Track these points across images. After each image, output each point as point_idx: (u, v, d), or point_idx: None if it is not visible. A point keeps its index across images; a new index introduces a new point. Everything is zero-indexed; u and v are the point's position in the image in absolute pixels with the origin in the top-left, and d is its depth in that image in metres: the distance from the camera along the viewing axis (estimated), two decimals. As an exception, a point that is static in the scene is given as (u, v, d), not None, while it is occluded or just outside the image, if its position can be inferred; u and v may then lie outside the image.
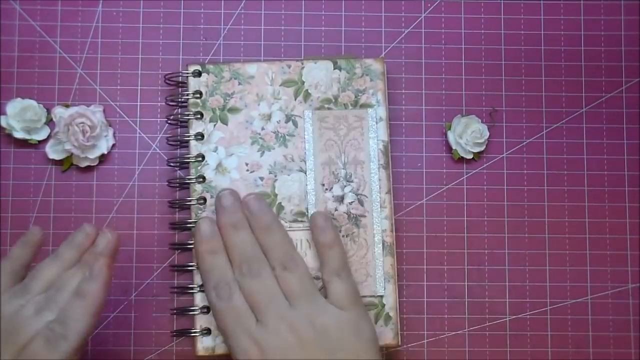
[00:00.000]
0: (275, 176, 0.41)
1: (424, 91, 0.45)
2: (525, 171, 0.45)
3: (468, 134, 0.43)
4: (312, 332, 0.35)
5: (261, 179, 0.41)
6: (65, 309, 0.35)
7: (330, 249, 0.38)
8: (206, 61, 0.44)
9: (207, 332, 0.40)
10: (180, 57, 0.45)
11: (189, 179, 0.41)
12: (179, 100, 0.42)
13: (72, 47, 0.44)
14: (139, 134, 0.44)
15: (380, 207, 0.41)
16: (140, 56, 0.45)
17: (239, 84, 0.42)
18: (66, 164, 0.43)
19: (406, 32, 0.45)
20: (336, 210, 0.41)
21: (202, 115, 0.41)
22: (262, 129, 0.41)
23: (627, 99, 0.45)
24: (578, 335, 0.44)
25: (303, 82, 0.42)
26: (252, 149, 0.41)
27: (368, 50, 0.45)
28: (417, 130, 0.45)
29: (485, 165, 0.45)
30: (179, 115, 0.42)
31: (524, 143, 0.45)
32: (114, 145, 0.44)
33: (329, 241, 0.38)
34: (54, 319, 0.34)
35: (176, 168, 0.43)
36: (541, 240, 0.44)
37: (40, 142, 0.43)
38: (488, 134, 0.44)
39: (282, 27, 0.45)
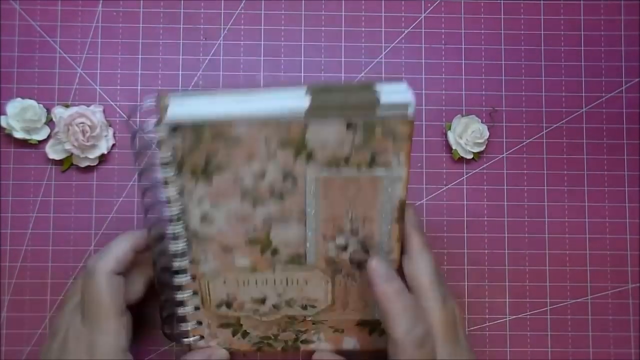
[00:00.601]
0: (270, 226, 0.35)
1: (424, 91, 0.45)
2: (525, 171, 0.45)
3: (468, 134, 0.43)
4: None
5: (254, 229, 0.35)
6: None
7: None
8: (206, 61, 0.44)
9: (200, 338, 0.40)
10: (180, 57, 0.45)
11: (173, 229, 0.35)
12: (151, 162, 0.34)
13: (72, 47, 0.44)
14: (139, 134, 0.44)
15: (387, 254, 0.36)
16: (140, 56, 0.45)
17: (225, 144, 0.33)
18: (66, 164, 0.43)
19: (406, 32, 0.45)
20: (337, 256, 0.37)
21: (180, 172, 0.34)
22: (255, 186, 0.34)
23: (627, 99, 0.45)
24: (578, 335, 0.44)
25: (306, 145, 0.33)
26: (243, 203, 0.35)
27: (368, 50, 0.45)
28: (417, 130, 0.44)
29: (485, 165, 0.45)
30: (154, 178, 0.35)
31: (524, 143, 0.45)
32: (114, 145, 0.44)
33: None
34: None
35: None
36: (541, 240, 0.44)
37: (40, 142, 0.43)
38: (488, 134, 0.44)
39: (282, 27, 0.45)
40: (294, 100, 0.31)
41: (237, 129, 0.32)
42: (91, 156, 0.43)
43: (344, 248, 0.36)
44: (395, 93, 0.31)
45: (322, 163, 0.33)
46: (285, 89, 0.32)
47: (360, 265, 0.37)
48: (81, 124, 0.42)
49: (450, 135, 0.44)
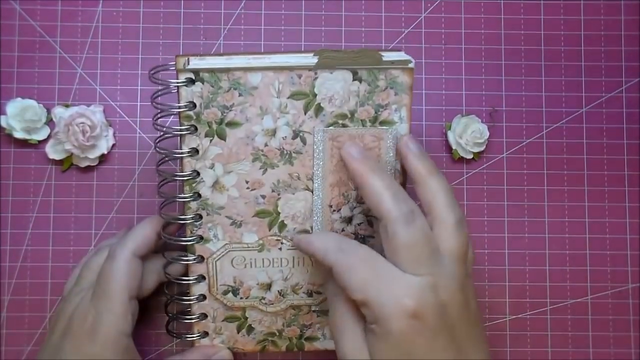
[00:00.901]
0: (279, 194, 0.37)
1: (424, 91, 0.45)
2: (525, 171, 0.45)
3: (468, 134, 0.43)
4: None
5: (263, 197, 0.37)
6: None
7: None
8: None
9: (204, 335, 0.40)
10: (180, 57, 0.45)
11: (183, 198, 0.37)
12: (169, 109, 0.36)
13: (72, 47, 0.44)
14: (139, 134, 0.44)
15: None
16: (140, 56, 0.45)
17: (240, 94, 0.36)
18: (66, 164, 0.43)
19: (406, 32, 0.45)
20: (343, 230, 0.38)
21: (196, 128, 0.36)
22: (266, 145, 0.36)
23: (627, 99, 0.45)
24: (578, 335, 0.44)
25: (315, 95, 0.36)
26: (254, 166, 0.37)
27: (368, 50, 0.45)
28: (417, 130, 0.45)
29: (485, 165, 0.45)
30: (170, 128, 0.37)
31: (524, 143, 0.45)
32: (114, 145, 0.44)
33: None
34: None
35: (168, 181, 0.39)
36: (541, 240, 0.44)
37: (40, 142, 0.43)
38: (488, 134, 0.44)
39: (282, 27, 0.45)
40: (304, 59, 0.35)
41: (252, 77, 0.35)
42: (91, 156, 0.43)
43: (349, 220, 0.38)
44: (396, 56, 0.36)
45: (330, 118, 0.36)
46: (295, 53, 0.36)
47: (365, 241, 0.38)
48: (81, 124, 0.42)
49: (450, 135, 0.44)
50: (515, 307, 0.44)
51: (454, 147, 0.44)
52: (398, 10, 0.45)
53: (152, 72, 0.36)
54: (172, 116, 0.41)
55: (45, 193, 0.44)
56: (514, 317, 0.44)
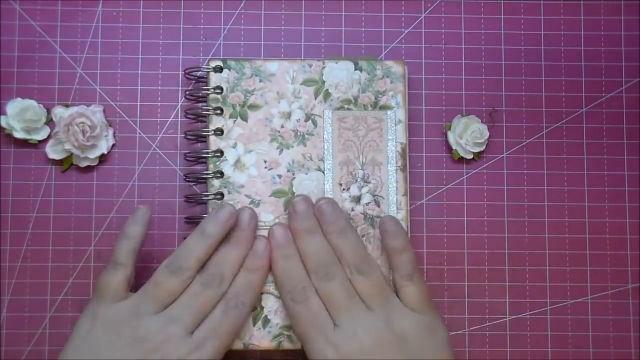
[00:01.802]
0: (293, 174, 0.41)
1: (424, 91, 0.45)
2: (525, 171, 0.45)
3: (468, 134, 0.43)
4: (391, 335, 0.36)
5: (279, 176, 0.41)
6: (238, 284, 0.38)
7: (402, 253, 0.38)
8: (206, 61, 0.44)
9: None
10: (181, 57, 0.45)
11: (207, 174, 0.41)
12: (199, 95, 0.42)
13: (72, 47, 0.44)
14: (139, 134, 0.44)
15: (397, 208, 0.41)
16: (140, 56, 0.45)
17: (260, 81, 0.42)
18: (66, 164, 0.43)
19: (406, 32, 0.45)
20: (353, 210, 0.41)
21: (222, 111, 0.41)
22: (282, 126, 0.42)
23: (627, 99, 0.45)
24: (578, 335, 0.44)
25: (324, 82, 0.42)
26: (271, 146, 0.41)
27: (368, 50, 0.45)
28: (417, 130, 0.45)
29: (485, 165, 0.45)
30: (199, 110, 0.42)
31: (524, 143, 0.45)
32: (114, 145, 0.44)
33: (400, 246, 0.38)
34: (229, 291, 0.37)
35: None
36: (541, 240, 0.44)
37: (40, 142, 0.43)
38: (488, 134, 0.44)
39: (282, 27, 0.45)
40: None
41: (270, 65, 0.42)
42: (91, 156, 0.43)
43: (358, 200, 0.41)
44: (391, 63, 0.43)
45: (337, 103, 0.42)
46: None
47: (373, 222, 0.41)
48: (81, 124, 0.42)
49: (450, 135, 0.44)
50: (515, 307, 0.44)
51: (454, 147, 0.44)
52: (398, 10, 0.46)
53: (188, 70, 0.42)
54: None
55: (45, 193, 0.44)
56: (514, 317, 0.44)
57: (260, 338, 0.40)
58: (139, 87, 0.44)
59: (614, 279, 0.44)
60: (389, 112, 0.42)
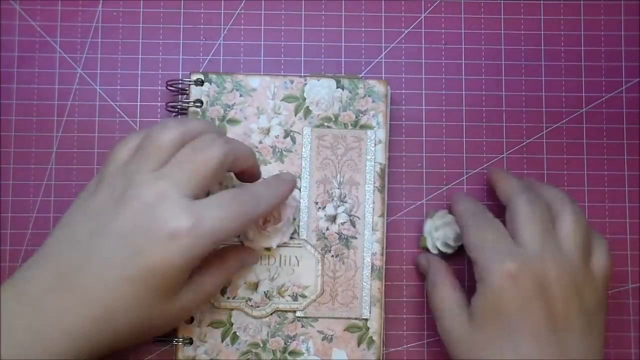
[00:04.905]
0: None
1: (423, 91, 0.45)
2: (525, 171, 0.45)
3: (447, 230, 0.42)
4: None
5: None
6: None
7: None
8: (206, 61, 0.44)
9: (189, 341, 0.40)
10: (180, 57, 0.45)
11: None
12: (179, 107, 0.41)
13: (72, 47, 0.44)
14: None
15: (372, 229, 0.41)
16: (140, 56, 0.45)
17: (240, 95, 0.41)
18: (66, 164, 0.43)
19: (406, 32, 0.45)
20: (327, 229, 0.41)
21: None
22: (260, 142, 0.41)
23: (627, 99, 0.45)
24: (578, 335, 0.44)
25: (304, 99, 0.41)
26: None
27: (368, 50, 0.45)
28: (417, 130, 0.45)
29: (485, 165, 0.45)
30: None
31: (524, 143, 0.45)
32: (114, 145, 0.44)
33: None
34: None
35: None
36: (541, 240, 0.44)
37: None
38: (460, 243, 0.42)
39: (282, 27, 0.45)
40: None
41: (251, 80, 0.41)
42: (91, 156, 0.43)
43: (333, 219, 0.41)
44: (373, 82, 0.42)
45: (317, 120, 0.41)
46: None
47: (348, 242, 0.41)
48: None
49: (428, 222, 0.43)
50: (515, 307, 0.44)
51: (424, 235, 0.43)
52: (398, 10, 0.46)
53: (170, 82, 0.42)
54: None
55: (45, 193, 0.44)
56: (514, 317, 0.44)
57: (228, 354, 0.40)
58: (139, 87, 0.44)
59: (614, 279, 0.44)
60: (369, 131, 0.41)
